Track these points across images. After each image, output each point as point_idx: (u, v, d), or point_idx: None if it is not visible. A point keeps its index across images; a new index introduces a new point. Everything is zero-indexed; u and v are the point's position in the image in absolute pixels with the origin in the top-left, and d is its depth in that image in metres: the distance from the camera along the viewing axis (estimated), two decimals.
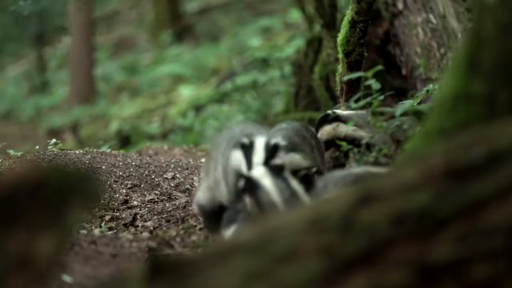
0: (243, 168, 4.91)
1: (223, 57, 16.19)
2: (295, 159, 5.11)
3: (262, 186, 4.70)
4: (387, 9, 7.44)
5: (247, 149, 4.93)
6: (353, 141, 5.38)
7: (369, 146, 5.22)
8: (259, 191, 4.69)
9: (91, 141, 13.78)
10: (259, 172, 4.77)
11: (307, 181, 4.80)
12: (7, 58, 21.61)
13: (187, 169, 8.09)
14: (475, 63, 3.14)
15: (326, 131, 5.59)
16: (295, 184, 4.77)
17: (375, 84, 5.17)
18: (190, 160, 8.96)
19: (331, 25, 8.18)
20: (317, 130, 5.61)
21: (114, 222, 6.54)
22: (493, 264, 2.38)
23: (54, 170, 2.39)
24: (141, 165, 8.30)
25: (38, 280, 2.38)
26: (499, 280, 2.37)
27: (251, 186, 4.71)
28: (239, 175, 4.90)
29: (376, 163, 5.05)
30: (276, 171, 4.74)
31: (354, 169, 4.84)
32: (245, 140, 4.95)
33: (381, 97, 5.31)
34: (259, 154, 4.88)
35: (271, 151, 4.89)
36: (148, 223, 6.31)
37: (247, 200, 4.74)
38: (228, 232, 4.88)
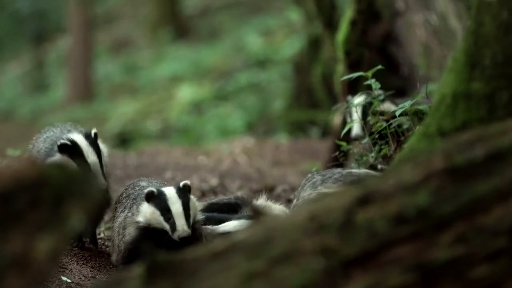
0: None
1: (223, 56, 16.18)
2: None
3: None
4: (387, 9, 7.43)
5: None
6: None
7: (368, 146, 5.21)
8: None
9: None
10: None
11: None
12: (6, 58, 21.60)
13: (186, 169, 8.09)
14: (475, 62, 3.13)
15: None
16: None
17: (375, 84, 5.17)
18: (190, 160, 8.96)
19: (331, 25, 8.18)
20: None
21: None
22: (493, 264, 2.37)
23: (52, 168, 2.37)
24: (140, 165, 8.29)
25: (36, 280, 2.36)
26: (499, 280, 2.37)
27: None
28: None
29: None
30: None
31: (356, 169, 4.82)
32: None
33: (381, 97, 5.31)
34: None
35: None
36: None
37: None
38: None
